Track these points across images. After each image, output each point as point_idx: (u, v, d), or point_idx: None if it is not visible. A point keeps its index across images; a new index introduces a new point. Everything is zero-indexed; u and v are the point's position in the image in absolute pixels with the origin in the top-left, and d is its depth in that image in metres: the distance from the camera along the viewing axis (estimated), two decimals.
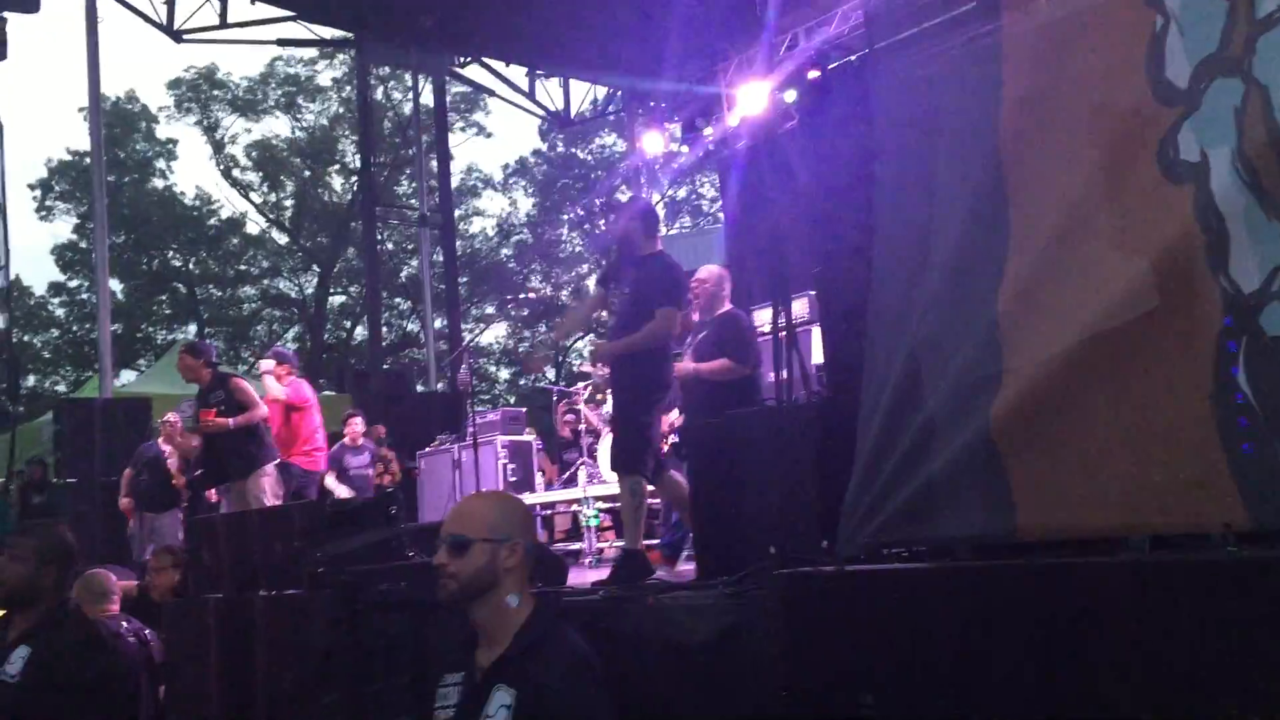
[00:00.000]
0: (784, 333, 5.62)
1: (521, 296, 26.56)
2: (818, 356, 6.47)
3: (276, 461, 7.69)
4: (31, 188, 29.92)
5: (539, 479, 10.64)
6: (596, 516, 8.19)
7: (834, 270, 4.73)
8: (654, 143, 15.23)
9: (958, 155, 3.48)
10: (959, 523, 3.10)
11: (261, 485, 7.40)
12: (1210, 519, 2.59)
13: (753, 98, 12.21)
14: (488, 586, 2.72)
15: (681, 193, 30.85)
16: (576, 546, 8.79)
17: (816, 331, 6.79)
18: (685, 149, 14.85)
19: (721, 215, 20.52)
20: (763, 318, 8.43)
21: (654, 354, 5.55)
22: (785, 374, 5.42)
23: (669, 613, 3.67)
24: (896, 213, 3.78)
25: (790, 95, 11.03)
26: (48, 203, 30.17)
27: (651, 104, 16.81)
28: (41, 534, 3.75)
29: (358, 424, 10.74)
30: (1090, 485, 2.80)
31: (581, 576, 5.96)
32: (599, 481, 8.97)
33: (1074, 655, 2.58)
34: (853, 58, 7.53)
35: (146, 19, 13.96)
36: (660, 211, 29.69)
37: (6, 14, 11.39)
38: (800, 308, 7.78)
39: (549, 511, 10.21)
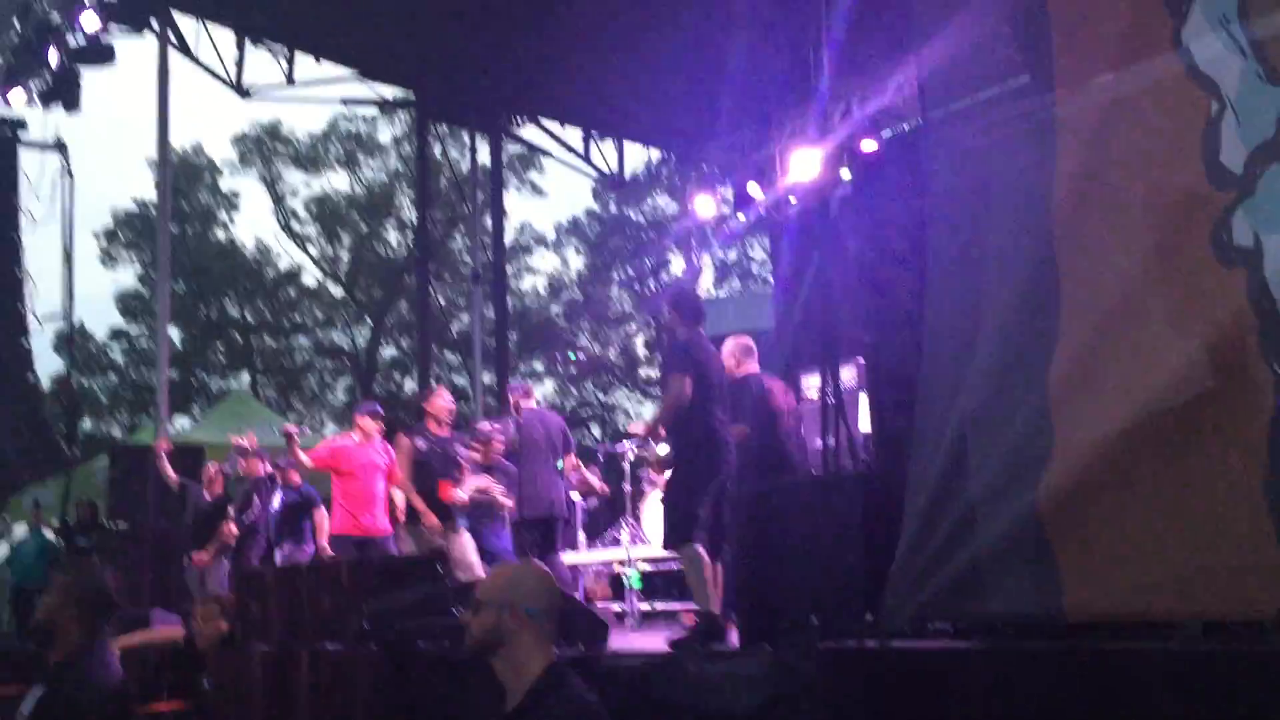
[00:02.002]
0: (831, 400, 5.62)
1: (572, 357, 26.68)
2: (865, 425, 6.44)
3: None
4: (97, 236, 30.70)
5: (580, 536, 10.60)
6: (640, 578, 8.13)
7: (884, 338, 4.74)
8: (706, 205, 15.29)
9: (1010, 228, 3.49)
10: (1006, 601, 3.07)
11: (464, 543, 7.16)
12: (1264, 605, 2.55)
13: (805, 163, 12.23)
14: (497, 645, 2.97)
15: (732, 255, 30.96)
16: (618, 608, 8.74)
17: (864, 399, 6.77)
18: (737, 213, 14.92)
19: (771, 278, 20.55)
20: (811, 383, 8.42)
21: (687, 430, 5.58)
22: (832, 442, 5.41)
23: (712, 681, 3.65)
24: (948, 283, 3.79)
25: (844, 169, 11.10)
26: (113, 251, 30.91)
27: (704, 167, 16.96)
28: (76, 572, 3.65)
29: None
30: (1140, 567, 2.77)
31: (624, 638, 5.93)
32: (641, 542, 8.91)
33: None
34: (906, 127, 7.57)
35: (216, 76, 14.37)
36: (709, 274, 29.85)
37: (83, 69, 11.80)
38: (848, 375, 7.76)
39: (590, 569, 10.15)
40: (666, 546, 5.73)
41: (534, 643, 3.00)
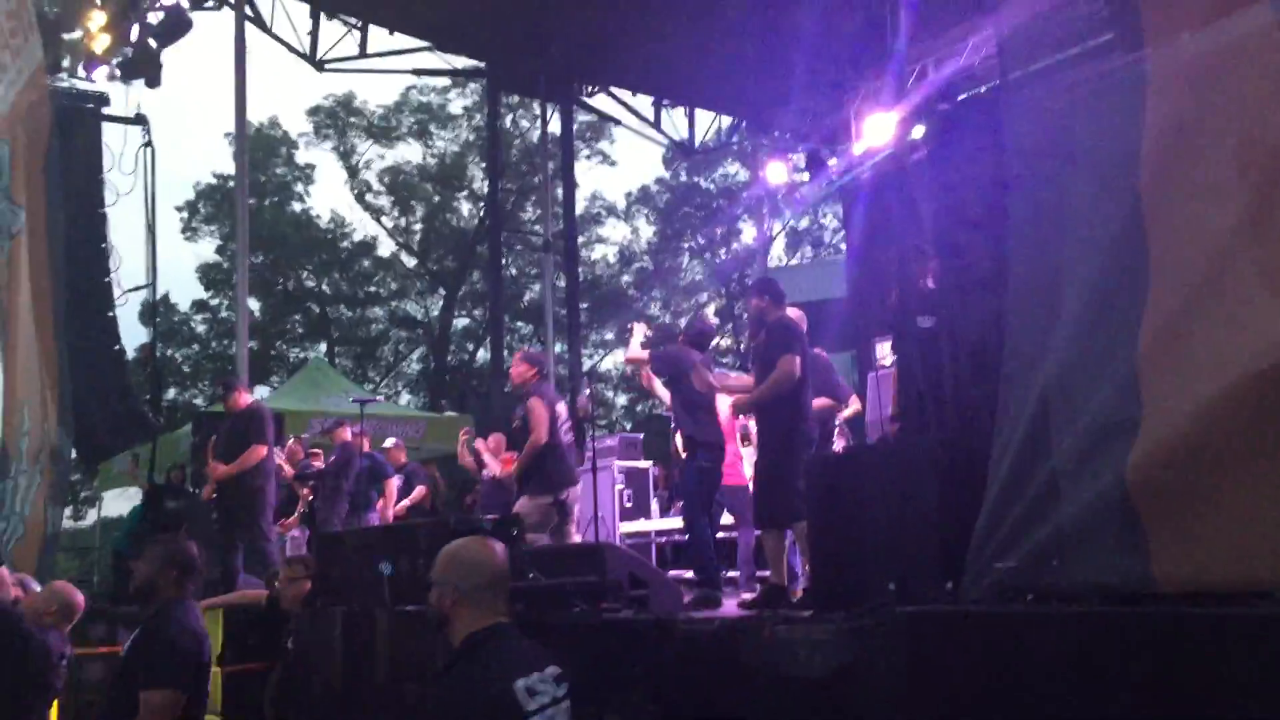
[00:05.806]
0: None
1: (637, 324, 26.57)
2: None
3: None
4: (179, 209, 31.33)
5: (654, 504, 10.66)
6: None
7: (961, 303, 4.67)
8: (777, 173, 15.18)
9: (1094, 189, 3.40)
10: (1091, 570, 3.01)
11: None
12: None
13: (879, 128, 12.08)
14: (442, 621, 3.16)
15: (804, 223, 30.70)
16: (689, 574, 8.77)
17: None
18: (808, 179, 14.75)
19: (843, 246, 20.34)
20: (885, 350, 8.33)
21: (788, 407, 5.85)
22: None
23: (786, 645, 3.64)
24: (1029, 247, 3.71)
25: (919, 128, 10.92)
26: (193, 224, 31.53)
27: (776, 134, 16.79)
28: (169, 540, 4.56)
29: None
30: (1234, 536, 2.70)
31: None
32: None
33: (1210, 711, 2.48)
34: (983, 89, 7.42)
35: (291, 49, 14.57)
36: (780, 242, 29.61)
37: (163, 45, 11.99)
38: None
39: (663, 540, 10.21)
40: (769, 526, 5.89)
41: (471, 616, 3.13)
